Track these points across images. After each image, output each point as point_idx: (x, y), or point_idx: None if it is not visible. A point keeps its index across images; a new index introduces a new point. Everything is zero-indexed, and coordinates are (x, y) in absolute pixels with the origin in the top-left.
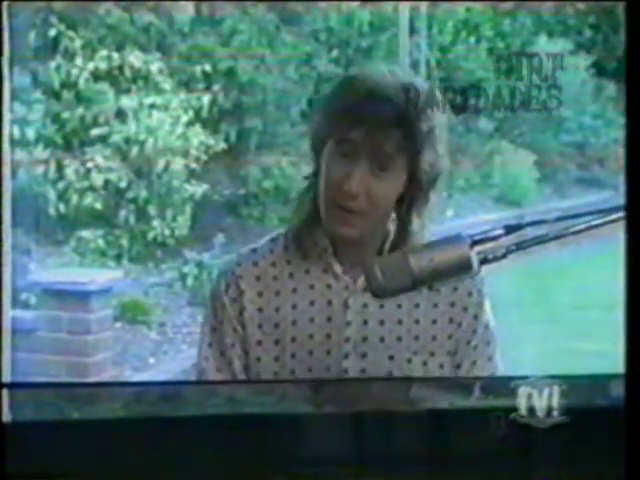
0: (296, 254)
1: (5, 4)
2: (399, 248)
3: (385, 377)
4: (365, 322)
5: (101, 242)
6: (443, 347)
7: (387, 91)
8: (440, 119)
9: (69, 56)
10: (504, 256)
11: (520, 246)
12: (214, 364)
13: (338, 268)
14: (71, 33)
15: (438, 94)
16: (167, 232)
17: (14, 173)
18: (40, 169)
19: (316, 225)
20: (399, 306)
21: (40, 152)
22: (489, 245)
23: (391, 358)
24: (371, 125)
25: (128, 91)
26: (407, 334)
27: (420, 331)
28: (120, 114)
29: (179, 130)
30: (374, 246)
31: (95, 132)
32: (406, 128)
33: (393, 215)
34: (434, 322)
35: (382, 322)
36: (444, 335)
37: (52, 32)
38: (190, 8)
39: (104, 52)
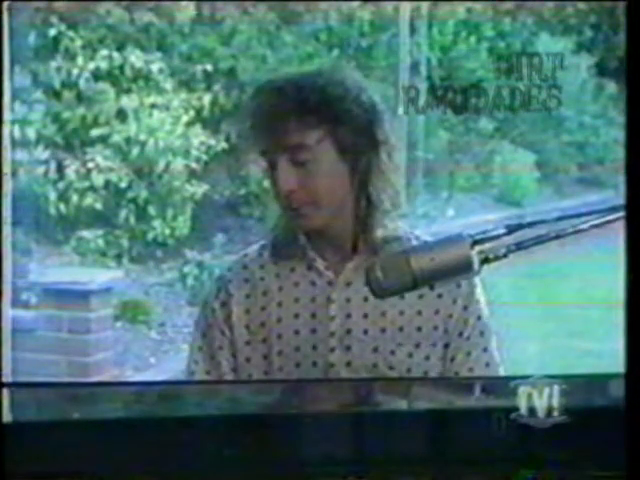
0: (281, 254)
1: (5, 4)
2: (370, 230)
3: (386, 377)
4: (349, 315)
5: (101, 242)
6: (429, 338)
7: (272, 94)
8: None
9: (69, 56)
10: (505, 256)
11: (521, 246)
12: (203, 367)
13: (320, 264)
14: (71, 33)
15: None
16: (167, 232)
17: (14, 173)
18: (40, 169)
19: (292, 228)
20: None
21: (40, 152)
22: (490, 245)
23: (375, 350)
24: (269, 131)
25: (129, 91)
26: (391, 326)
27: (404, 322)
28: (121, 114)
29: (180, 130)
30: (346, 237)
31: (96, 132)
32: (304, 113)
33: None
34: (419, 313)
35: (365, 315)
36: (429, 326)
37: (52, 32)
38: (191, 8)
39: (105, 52)
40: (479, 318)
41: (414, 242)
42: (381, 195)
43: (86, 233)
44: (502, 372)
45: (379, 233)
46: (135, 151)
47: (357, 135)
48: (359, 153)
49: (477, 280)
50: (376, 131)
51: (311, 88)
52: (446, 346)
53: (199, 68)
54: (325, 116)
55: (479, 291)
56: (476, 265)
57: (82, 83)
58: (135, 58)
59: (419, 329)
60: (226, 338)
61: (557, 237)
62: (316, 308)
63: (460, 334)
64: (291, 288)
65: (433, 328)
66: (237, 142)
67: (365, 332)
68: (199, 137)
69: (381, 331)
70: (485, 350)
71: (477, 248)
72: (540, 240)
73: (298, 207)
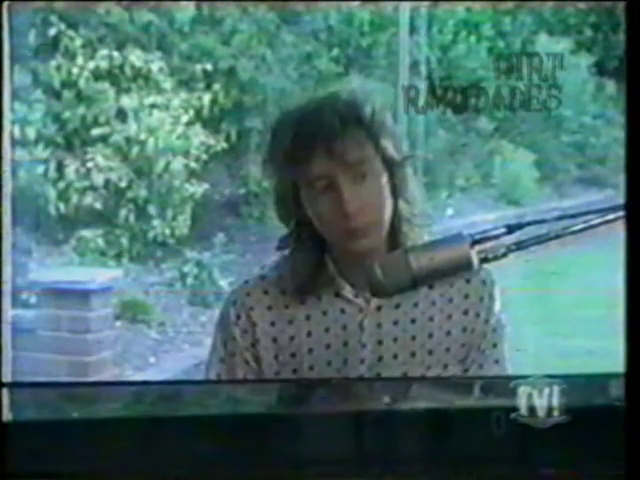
0: (308, 289)
1: (5, 4)
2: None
3: (385, 377)
4: (380, 342)
5: (101, 241)
6: (456, 357)
7: (317, 112)
8: (384, 114)
9: (69, 55)
10: (504, 255)
11: (520, 245)
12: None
13: (349, 292)
14: (71, 32)
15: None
16: (167, 231)
17: (14, 172)
18: (40, 168)
19: (319, 261)
20: (413, 321)
21: (41, 151)
22: (489, 244)
23: (404, 375)
24: (325, 147)
25: (129, 90)
26: (421, 349)
27: (434, 345)
28: (121, 113)
29: (180, 129)
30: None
31: (96, 131)
32: (354, 129)
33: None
34: (448, 334)
35: (395, 339)
36: (457, 345)
37: (52, 31)
38: (191, 7)
39: (104, 51)
40: (494, 330)
41: None
42: (412, 211)
43: (86, 232)
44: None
45: None
46: (135, 151)
47: (395, 148)
48: (396, 167)
49: (497, 291)
50: (402, 144)
51: (352, 104)
52: (464, 360)
53: (199, 67)
54: (370, 130)
55: (498, 303)
56: (475, 265)
57: (82, 82)
58: (135, 57)
59: (448, 350)
60: (250, 368)
61: (557, 237)
62: (348, 337)
63: (478, 347)
64: (320, 317)
65: (461, 346)
66: (269, 170)
67: (395, 357)
68: (199, 137)
69: (411, 355)
70: (497, 362)
71: (477, 247)
72: (540, 240)
73: (358, 227)
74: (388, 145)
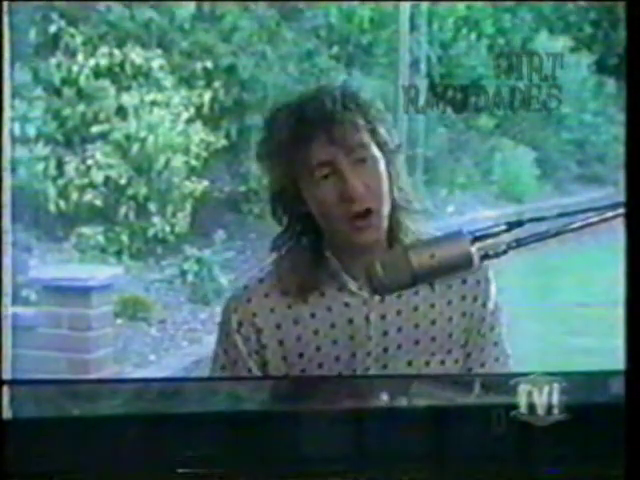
0: (311, 287)
1: (5, 3)
2: (402, 237)
3: (386, 375)
4: (385, 333)
5: (101, 239)
6: (458, 342)
7: (314, 100)
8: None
9: (70, 53)
10: (505, 252)
11: (521, 242)
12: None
13: (353, 285)
14: (72, 30)
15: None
16: (167, 229)
17: (14, 170)
18: (40, 166)
19: (319, 257)
20: (415, 309)
21: (41, 149)
22: (490, 241)
23: (409, 364)
24: (326, 133)
25: (129, 88)
26: (424, 336)
27: (437, 332)
28: (121, 111)
29: (180, 127)
30: (379, 250)
31: (96, 129)
32: (352, 115)
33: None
34: (450, 319)
35: (400, 329)
36: (459, 330)
37: (53, 28)
38: (191, 5)
39: (105, 49)
40: (492, 313)
41: None
42: (406, 197)
43: (86, 230)
44: (511, 365)
45: (410, 239)
46: (135, 148)
47: (388, 135)
48: (390, 154)
49: (491, 274)
50: (395, 134)
51: (347, 91)
52: (465, 345)
53: (199, 65)
54: (367, 116)
55: (494, 286)
56: (476, 262)
57: (82, 80)
58: (135, 55)
59: (450, 335)
60: (253, 375)
61: (557, 234)
62: (354, 331)
63: (478, 331)
64: (325, 313)
65: (462, 331)
66: (266, 165)
67: (399, 347)
68: (199, 134)
69: (415, 344)
70: (495, 344)
71: (477, 245)
72: (540, 237)
73: (362, 215)
74: (383, 131)
